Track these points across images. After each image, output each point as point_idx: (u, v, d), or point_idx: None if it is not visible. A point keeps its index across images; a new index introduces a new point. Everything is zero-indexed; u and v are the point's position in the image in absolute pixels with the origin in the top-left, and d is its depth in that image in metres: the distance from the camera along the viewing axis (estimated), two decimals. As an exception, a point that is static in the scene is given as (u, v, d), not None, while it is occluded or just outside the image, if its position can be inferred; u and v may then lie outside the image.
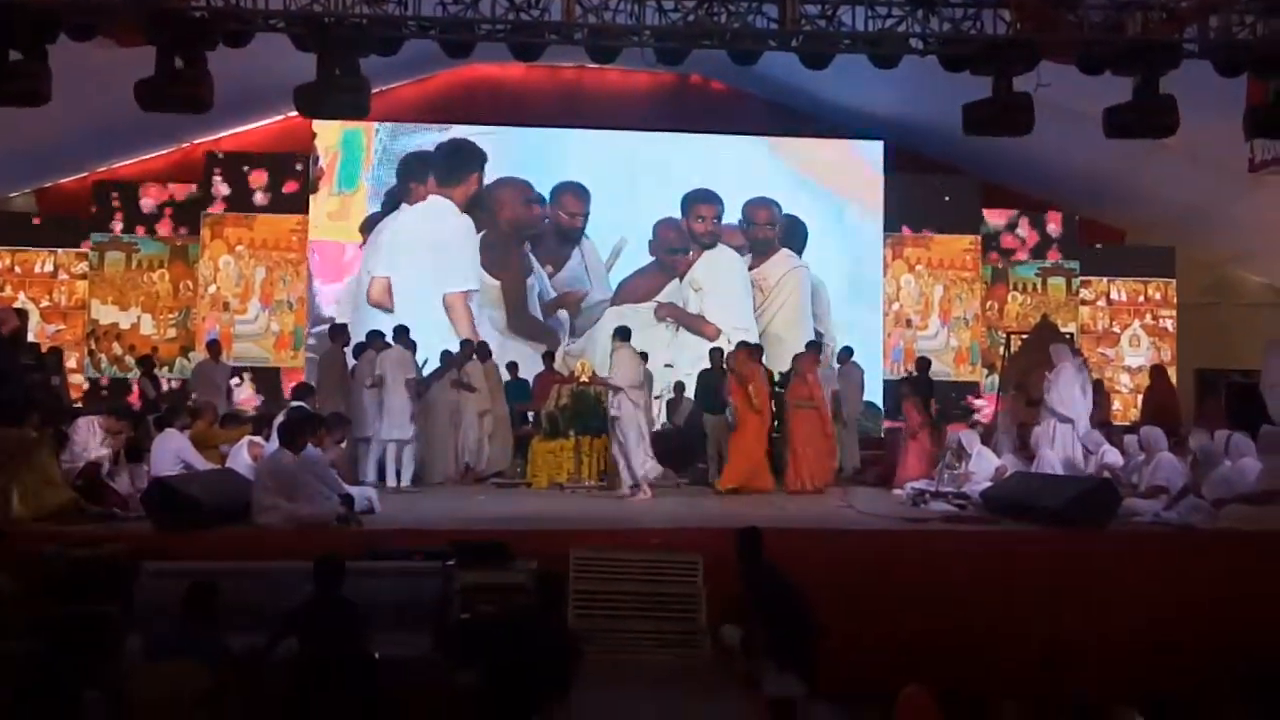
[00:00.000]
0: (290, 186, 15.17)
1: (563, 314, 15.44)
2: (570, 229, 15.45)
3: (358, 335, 11.95)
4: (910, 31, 8.57)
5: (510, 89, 15.69)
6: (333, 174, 15.15)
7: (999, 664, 7.26)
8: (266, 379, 14.79)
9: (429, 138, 15.31)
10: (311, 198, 15.08)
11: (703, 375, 12.36)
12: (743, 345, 11.85)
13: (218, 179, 15.06)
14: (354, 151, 15.15)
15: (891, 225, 15.80)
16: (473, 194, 15.28)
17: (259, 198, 15.13)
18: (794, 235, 15.71)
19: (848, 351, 13.49)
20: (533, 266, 15.36)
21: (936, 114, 12.82)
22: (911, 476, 10.95)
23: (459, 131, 15.34)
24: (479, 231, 15.26)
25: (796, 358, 11.77)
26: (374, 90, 10.50)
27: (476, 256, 15.21)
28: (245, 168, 15.15)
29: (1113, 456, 9.95)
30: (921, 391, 13.21)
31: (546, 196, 15.40)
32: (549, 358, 13.73)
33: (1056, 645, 7.52)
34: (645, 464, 10.48)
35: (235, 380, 13.74)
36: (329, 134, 14.73)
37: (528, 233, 15.42)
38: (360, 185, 15.16)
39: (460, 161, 15.25)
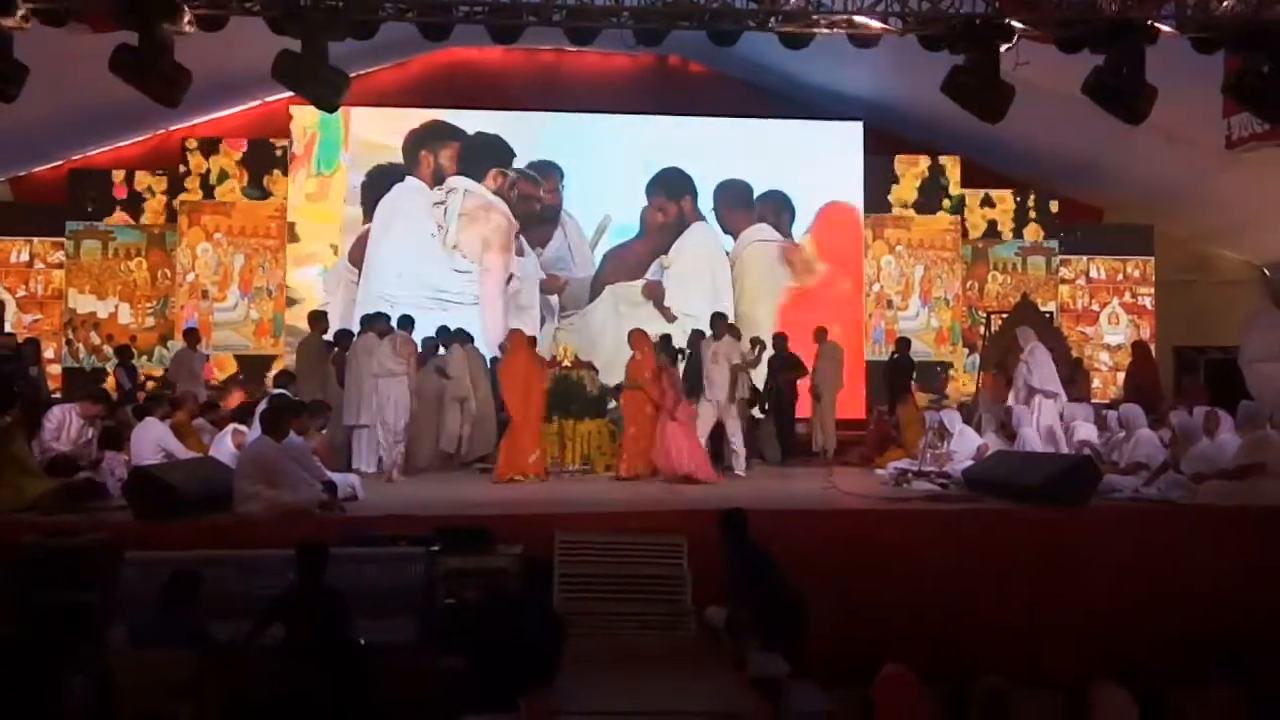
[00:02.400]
0: (268, 172, 15.05)
1: (553, 298, 15.39)
2: (549, 207, 15.40)
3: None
4: (889, 10, 8.56)
5: (489, 73, 15.60)
6: (310, 155, 15.05)
7: (981, 642, 7.32)
8: (250, 367, 14.69)
9: (407, 121, 15.22)
10: (294, 178, 14.98)
11: (689, 358, 12.37)
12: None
13: (194, 166, 14.94)
14: (332, 132, 15.04)
15: (871, 206, 15.81)
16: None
17: (236, 184, 15.01)
18: (782, 211, 15.73)
19: (823, 332, 13.50)
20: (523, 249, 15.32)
21: (915, 94, 12.87)
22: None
23: (439, 115, 15.26)
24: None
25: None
26: (352, 74, 10.51)
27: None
28: (222, 154, 15.03)
29: (1085, 431, 10.01)
30: (902, 372, 13.31)
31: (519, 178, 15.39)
32: (532, 341, 13.68)
33: (1038, 622, 7.60)
34: None
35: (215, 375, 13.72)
36: (306, 115, 14.56)
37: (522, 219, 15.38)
38: (339, 166, 15.07)
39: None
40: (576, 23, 8.58)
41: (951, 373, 15.81)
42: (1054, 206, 16.22)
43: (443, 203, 15.10)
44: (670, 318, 15.08)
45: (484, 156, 15.29)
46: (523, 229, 15.33)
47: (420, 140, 15.20)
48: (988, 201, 16.23)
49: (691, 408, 10.68)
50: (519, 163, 15.35)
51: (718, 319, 11.48)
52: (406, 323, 11.35)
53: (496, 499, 9.28)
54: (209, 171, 14.96)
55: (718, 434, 11.43)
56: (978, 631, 7.45)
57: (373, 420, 10.61)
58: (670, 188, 15.58)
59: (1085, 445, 9.86)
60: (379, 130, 15.20)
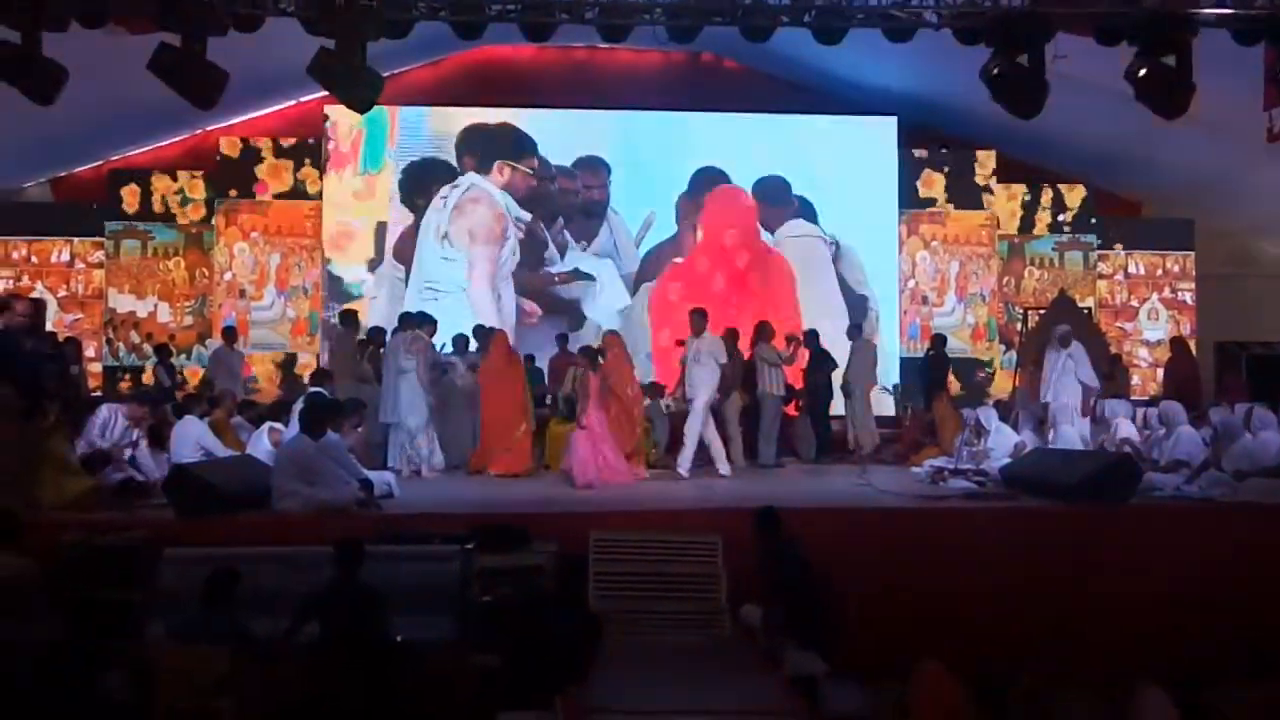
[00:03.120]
0: (304, 171, 15.16)
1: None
2: (596, 202, 15.42)
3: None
4: (924, 4, 8.49)
5: (522, 70, 15.64)
6: (357, 154, 15.16)
7: (1019, 641, 7.24)
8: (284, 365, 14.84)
9: (451, 119, 15.32)
10: (335, 176, 15.08)
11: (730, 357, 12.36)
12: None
13: (231, 165, 15.08)
14: (378, 131, 15.15)
15: (906, 201, 15.70)
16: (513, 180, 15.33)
17: (272, 183, 15.14)
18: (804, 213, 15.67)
19: (857, 329, 13.45)
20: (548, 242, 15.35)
21: (951, 88, 12.75)
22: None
23: (476, 114, 15.33)
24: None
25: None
26: (386, 73, 10.53)
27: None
28: (259, 153, 15.16)
29: (1126, 429, 9.90)
30: (937, 368, 13.21)
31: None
32: (563, 339, 13.73)
33: (1077, 621, 7.51)
34: None
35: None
36: (343, 113, 14.58)
37: (553, 210, 15.41)
38: (385, 164, 15.17)
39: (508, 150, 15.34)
40: (609, 20, 8.58)
41: (988, 369, 15.66)
42: (1092, 200, 16.03)
43: (446, 197, 15.17)
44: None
45: (518, 152, 15.32)
46: (566, 224, 15.37)
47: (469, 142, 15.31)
48: (1025, 196, 16.07)
49: (601, 415, 10.37)
50: (560, 160, 15.37)
51: (697, 316, 11.12)
52: (425, 320, 11.36)
53: (532, 497, 9.29)
54: (246, 170, 15.08)
55: (749, 423, 11.57)
56: (1016, 631, 7.36)
57: (397, 418, 10.67)
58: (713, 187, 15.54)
59: (1125, 443, 9.74)
60: (423, 129, 15.28)
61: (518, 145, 15.34)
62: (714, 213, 15.50)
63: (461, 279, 15.04)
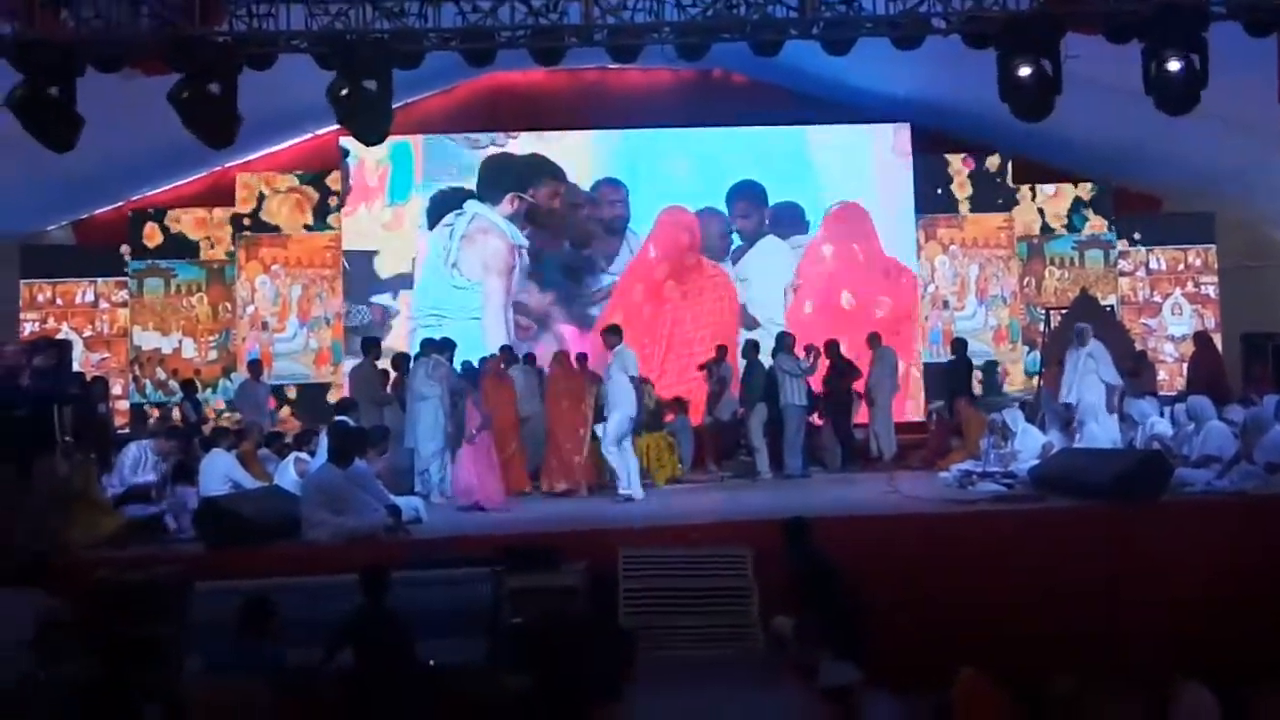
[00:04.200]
0: (323, 203, 15.28)
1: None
2: (614, 220, 15.48)
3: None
4: (932, 11, 8.49)
5: (533, 94, 15.71)
6: (384, 186, 15.26)
7: (1055, 643, 7.19)
8: (308, 395, 14.89)
9: (473, 147, 15.41)
10: (364, 209, 15.18)
11: (745, 368, 12.36)
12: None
13: (250, 201, 15.21)
14: (404, 163, 15.27)
15: (922, 207, 15.68)
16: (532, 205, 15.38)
17: (292, 216, 15.26)
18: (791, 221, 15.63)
19: (876, 337, 13.42)
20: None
21: (962, 93, 12.75)
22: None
23: (498, 141, 15.41)
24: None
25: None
26: (400, 103, 10.60)
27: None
28: (277, 188, 15.29)
29: (1162, 427, 9.83)
30: (961, 373, 13.17)
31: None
32: (582, 358, 13.72)
33: (1114, 621, 7.45)
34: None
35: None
36: (376, 148, 14.64)
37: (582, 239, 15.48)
38: (412, 197, 15.27)
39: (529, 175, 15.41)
40: (618, 41, 8.59)
41: (1004, 368, 15.58)
42: (1110, 198, 15.97)
43: (451, 225, 15.21)
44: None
45: (537, 178, 15.37)
46: (589, 245, 15.44)
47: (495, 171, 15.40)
48: (1042, 196, 16.02)
49: (486, 435, 10.30)
50: (576, 180, 15.41)
51: (609, 333, 10.99)
52: (446, 345, 11.39)
53: (559, 517, 9.31)
54: (265, 205, 15.21)
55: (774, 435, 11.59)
56: (1051, 633, 7.31)
57: (414, 443, 10.73)
58: (752, 198, 15.57)
59: (1155, 439, 9.67)
60: (448, 159, 15.35)
61: (543, 173, 15.39)
62: (660, 233, 15.49)
63: (472, 307, 15.07)
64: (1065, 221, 16.03)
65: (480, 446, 10.15)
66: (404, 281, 15.16)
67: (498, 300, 15.16)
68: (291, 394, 14.91)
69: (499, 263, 15.21)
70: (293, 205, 15.29)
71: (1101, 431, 9.95)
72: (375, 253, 15.14)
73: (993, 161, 15.81)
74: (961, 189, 15.81)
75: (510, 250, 15.25)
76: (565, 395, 11.13)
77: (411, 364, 11.22)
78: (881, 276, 15.46)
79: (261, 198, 15.24)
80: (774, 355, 12.02)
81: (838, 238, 15.53)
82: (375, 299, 15.07)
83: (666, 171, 15.42)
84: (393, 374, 11.96)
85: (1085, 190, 16.02)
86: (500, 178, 15.31)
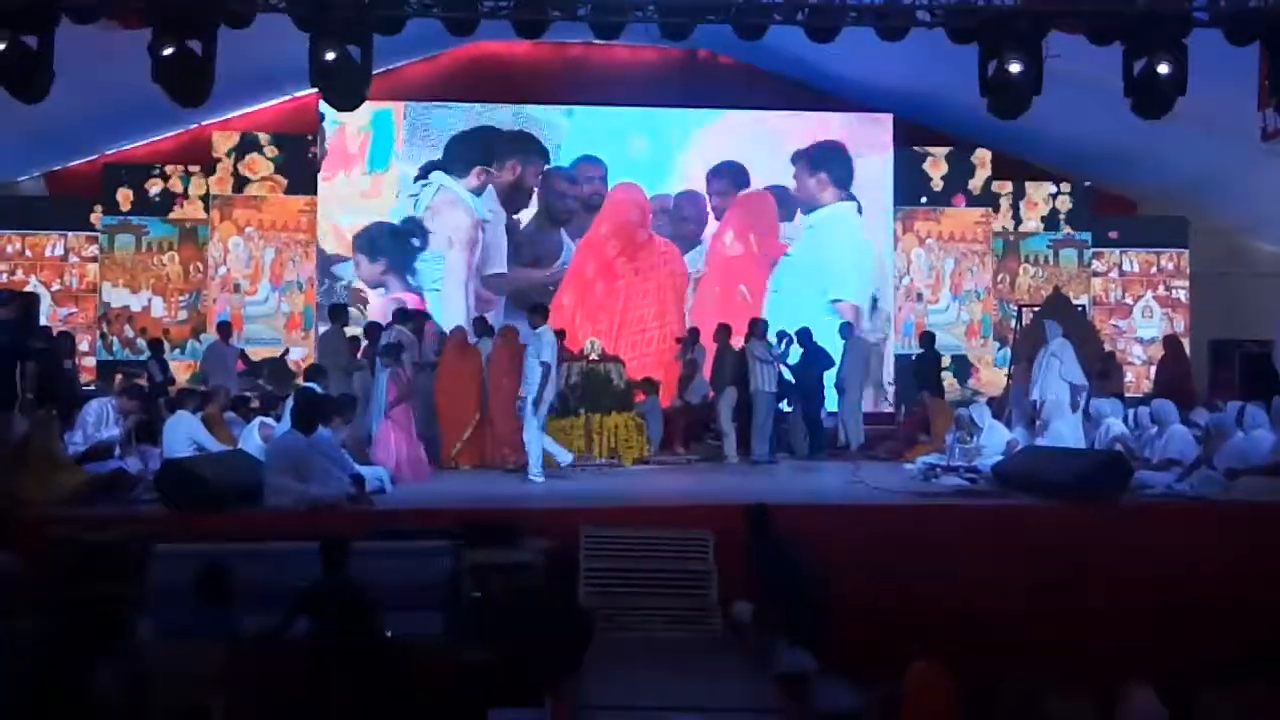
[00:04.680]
0: (300, 167, 15.14)
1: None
2: (593, 196, 15.45)
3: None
4: (917, 3, 8.49)
5: (518, 66, 15.61)
6: (364, 154, 15.14)
7: (1010, 639, 7.26)
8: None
9: (456, 117, 15.30)
10: (344, 175, 15.07)
11: (716, 353, 12.39)
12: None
13: (226, 160, 15.06)
14: (385, 130, 15.15)
15: (901, 199, 15.72)
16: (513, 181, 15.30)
17: (267, 178, 15.12)
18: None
19: (849, 326, 13.50)
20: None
21: (946, 86, 12.76)
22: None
23: (480, 111, 15.31)
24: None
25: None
26: (382, 69, 10.52)
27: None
28: (254, 148, 15.14)
29: (1118, 428, 9.92)
30: (928, 366, 13.23)
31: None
32: (561, 335, 13.70)
33: (1068, 620, 7.52)
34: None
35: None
36: (358, 114, 14.40)
37: (561, 216, 15.44)
38: (392, 165, 15.16)
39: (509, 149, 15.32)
40: (602, 17, 8.56)
41: (976, 365, 15.70)
42: (1087, 197, 16.07)
43: (416, 195, 15.15)
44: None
45: (517, 152, 15.31)
46: (566, 223, 15.39)
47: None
48: (1019, 193, 16.09)
49: (405, 409, 10.22)
50: (558, 158, 15.37)
51: (533, 312, 10.77)
52: (417, 316, 11.37)
53: (522, 493, 9.31)
54: (241, 166, 15.06)
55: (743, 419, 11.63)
56: (1007, 628, 7.37)
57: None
58: (732, 178, 15.58)
59: (1116, 441, 9.75)
60: (431, 128, 15.25)
61: (528, 148, 15.33)
62: (612, 209, 15.48)
63: (433, 277, 15.04)
64: (1042, 220, 16.11)
65: (399, 420, 10.06)
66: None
67: (459, 273, 15.13)
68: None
69: (462, 236, 15.16)
70: (269, 167, 15.14)
71: (1066, 430, 10.02)
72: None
73: (973, 157, 15.85)
74: (940, 183, 15.86)
75: (475, 224, 15.20)
76: (508, 373, 11.04)
77: (381, 334, 11.16)
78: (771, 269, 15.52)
79: (238, 158, 15.08)
80: (746, 340, 12.04)
81: (741, 227, 15.52)
82: (336, 268, 15.01)
83: (647, 151, 15.37)
84: (364, 342, 11.89)
85: (1063, 190, 16.10)
86: (473, 150, 15.23)
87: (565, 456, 10.48)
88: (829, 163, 15.52)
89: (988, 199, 15.92)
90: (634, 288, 15.40)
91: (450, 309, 14.65)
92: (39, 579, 6.69)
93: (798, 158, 15.48)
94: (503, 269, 15.22)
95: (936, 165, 15.88)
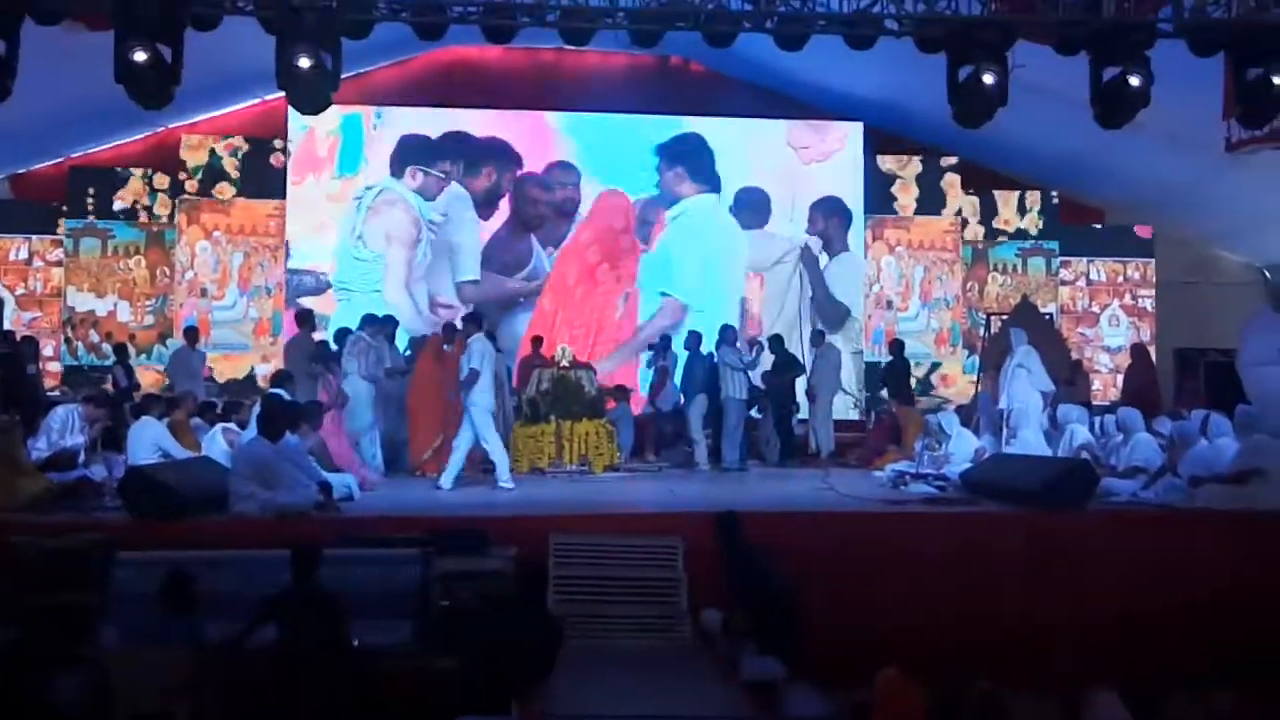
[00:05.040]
0: (267, 170, 15.05)
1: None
2: (565, 202, 15.43)
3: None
4: (885, 13, 8.53)
5: (489, 71, 15.59)
6: (333, 157, 15.07)
7: (977, 646, 7.28)
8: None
9: (422, 121, 15.28)
10: (313, 179, 14.99)
11: (687, 360, 12.40)
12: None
13: (193, 163, 14.94)
14: (354, 134, 15.09)
15: (871, 206, 15.80)
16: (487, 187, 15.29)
17: (235, 182, 15.02)
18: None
19: (820, 334, 13.56)
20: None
21: (915, 95, 12.83)
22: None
23: (447, 116, 15.27)
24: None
25: None
26: (352, 73, 10.43)
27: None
28: (221, 152, 15.03)
29: (1082, 435, 9.99)
30: (898, 373, 13.30)
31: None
32: (538, 341, 13.68)
33: (1035, 626, 7.57)
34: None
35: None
36: (328, 118, 14.33)
37: (533, 221, 15.41)
38: (361, 169, 15.09)
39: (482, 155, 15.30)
40: (571, 23, 8.54)
41: (941, 372, 15.78)
42: (1055, 206, 16.21)
43: (359, 198, 15.12)
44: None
45: (489, 157, 15.29)
46: (537, 228, 15.37)
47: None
48: (988, 202, 16.21)
49: (336, 415, 10.17)
50: (531, 164, 15.35)
51: (467, 320, 10.73)
52: (384, 322, 11.30)
53: (492, 500, 9.27)
54: (208, 169, 14.95)
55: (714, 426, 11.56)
56: (975, 635, 7.40)
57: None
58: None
59: (1082, 449, 9.82)
60: (401, 134, 15.21)
61: (499, 153, 15.32)
62: (596, 216, 15.50)
63: (374, 280, 14.98)
64: (1010, 229, 16.23)
65: (330, 428, 9.95)
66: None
67: (399, 272, 15.08)
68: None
69: (401, 233, 15.11)
70: (237, 171, 15.03)
71: (1034, 438, 10.09)
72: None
73: (943, 165, 15.96)
74: (910, 191, 15.95)
75: (414, 222, 15.15)
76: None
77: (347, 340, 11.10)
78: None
79: (206, 161, 14.97)
80: (716, 347, 12.06)
81: (599, 226, 15.52)
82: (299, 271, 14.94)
83: (619, 157, 15.37)
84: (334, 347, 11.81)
85: (1031, 199, 16.23)
86: (444, 155, 15.24)
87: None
88: (687, 156, 15.52)
89: (957, 208, 16.01)
90: (614, 294, 15.37)
91: (392, 310, 14.12)
92: (1, 586, 6.61)
93: (659, 152, 15.50)
94: (475, 276, 15.17)
95: (907, 173, 15.96)
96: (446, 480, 9.89)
